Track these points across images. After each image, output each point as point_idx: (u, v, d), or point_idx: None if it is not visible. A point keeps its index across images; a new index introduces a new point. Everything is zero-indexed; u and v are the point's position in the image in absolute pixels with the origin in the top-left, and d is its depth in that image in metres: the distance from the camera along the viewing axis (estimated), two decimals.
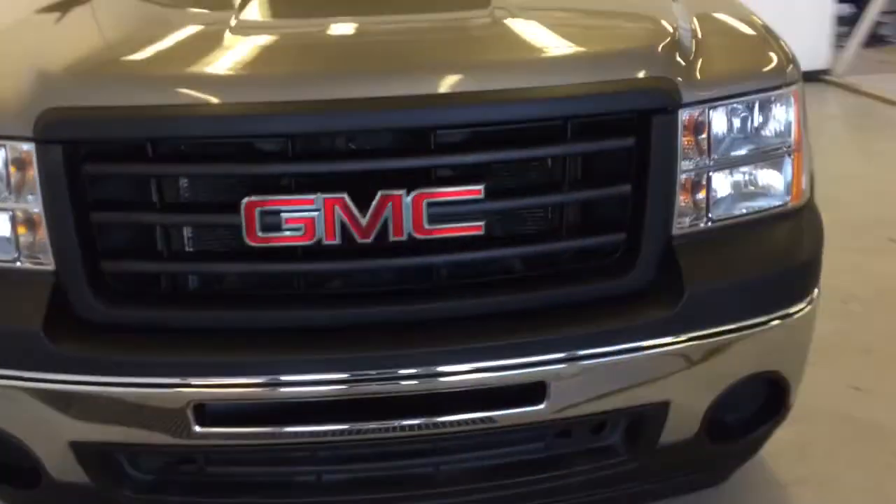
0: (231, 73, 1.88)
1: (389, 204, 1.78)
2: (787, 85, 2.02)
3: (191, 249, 1.90)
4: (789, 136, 2.04)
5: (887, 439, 2.80)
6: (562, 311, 1.88)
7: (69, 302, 1.85)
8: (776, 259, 2.01)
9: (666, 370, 1.92)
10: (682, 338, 1.89)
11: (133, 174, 1.85)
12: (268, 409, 1.87)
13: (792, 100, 2.03)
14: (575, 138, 1.84)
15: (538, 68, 1.88)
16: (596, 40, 2.03)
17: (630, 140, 1.86)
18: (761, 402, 2.14)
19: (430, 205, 1.79)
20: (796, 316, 2.01)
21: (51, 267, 1.86)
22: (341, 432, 1.84)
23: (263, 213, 1.78)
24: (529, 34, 2.01)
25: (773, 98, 2.00)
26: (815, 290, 2.08)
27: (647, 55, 1.92)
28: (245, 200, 1.77)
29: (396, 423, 1.85)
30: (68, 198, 1.80)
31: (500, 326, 1.84)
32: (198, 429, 1.84)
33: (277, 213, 1.78)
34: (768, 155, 2.03)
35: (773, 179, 2.05)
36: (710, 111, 1.94)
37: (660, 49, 1.94)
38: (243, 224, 1.78)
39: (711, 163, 1.96)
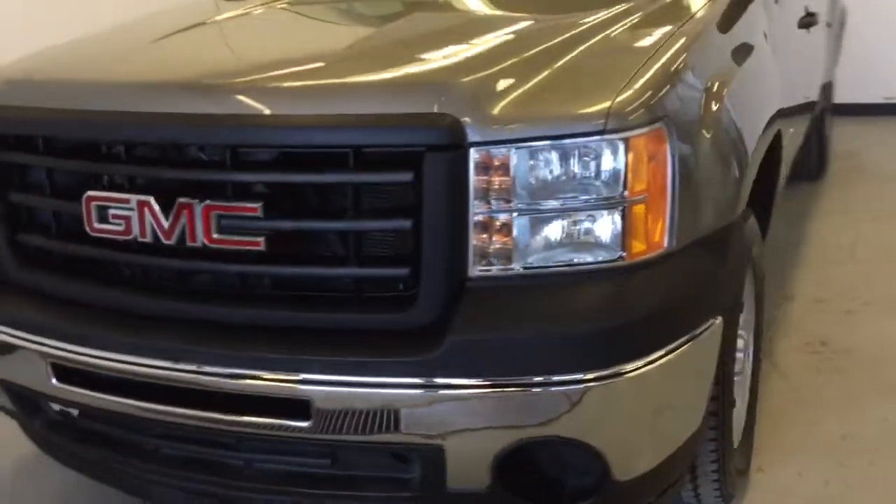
0: (86, 83, 2.17)
1: (185, 211, 1.95)
2: (615, 132, 1.82)
3: (62, 232, 2.22)
4: (620, 186, 1.85)
5: None
6: (337, 336, 1.92)
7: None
8: (575, 318, 1.84)
9: (430, 413, 1.87)
10: (440, 382, 1.84)
11: (22, 163, 2.21)
12: (101, 378, 2.13)
13: (622, 148, 1.83)
14: (354, 168, 1.86)
15: (325, 95, 1.93)
16: (393, 71, 1.99)
17: (409, 175, 1.83)
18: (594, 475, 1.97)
19: (218, 217, 1.94)
20: (603, 384, 1.83)
21: None
22: (136, 409, 2.06)
23: (98, 207, 2.05)
24: (342, 60, 2.04)
25: (594, 145, 1.83)
26: (648, 360, 1.86)
27: (432, 90, 1.87)
28: (86, 194, 2.06)
29: (179, 410, 2.02)
30: None
31: (271, 339, 1.93)
32: (55, 383, 2.17)
33: (106, 208, 2.04)
34: (590, 205, 1.86)
35: (598, 232, 1.87)
36: (513, 153, 1.83)
37: (450, 85, 1.88)
38: (84, 214, 2.07)
39: (513, 207, 1.86)
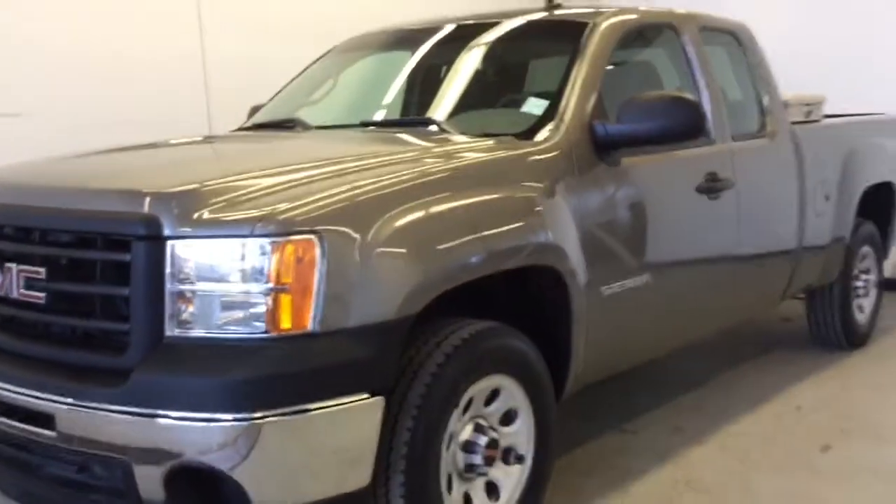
0: None
1: (9, 272, 2.78)
2: (266, 236, 2.46)
3: None
4: (268, 278, 2.45)
5: None
6: (80, 370, 2.62)
7: None
8: (214, 372, 2.44)
9: (118, 433, 2.50)
10: (119, 409, 2.48)
11: None
12: None
13: (269, 248, 2.45)
14: (94, 248, 2.61)
15: (78, 195, 2.76)
16: (130, 181, 2.73)
17: (127, 256, 2.54)
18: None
19: (26, 278, 2.74)
20: (230, 425, 2.41)
21: None
22: None
23: None
24: (118, 172, 2.81)
25: (249, 244, 2.46)
26: (268, 413, 2.41)
27: (143, 196, 2.58)
28: None
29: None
30: None
31: (39, 367, 2.68)
32: None
33: None
34: (248, 291, 2.47)
35: (253, 311, 2.47)
36: (193, 245, 2.50)
37: (155, 193, 2.59)
38: None
39: (194, 286, 2.50)
